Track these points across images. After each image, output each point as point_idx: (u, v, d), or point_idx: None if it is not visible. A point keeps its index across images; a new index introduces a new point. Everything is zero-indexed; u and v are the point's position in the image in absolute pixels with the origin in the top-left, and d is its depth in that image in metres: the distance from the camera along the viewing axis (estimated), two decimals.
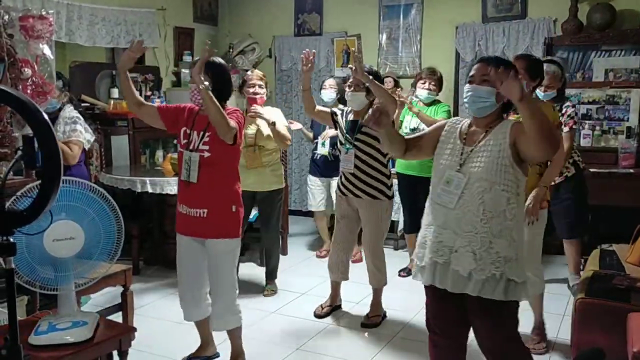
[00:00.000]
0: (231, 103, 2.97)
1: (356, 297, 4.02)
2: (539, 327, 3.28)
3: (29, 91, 3.18)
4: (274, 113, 3.92)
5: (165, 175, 4.39)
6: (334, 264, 3.75)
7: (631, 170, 4.64)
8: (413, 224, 4.24)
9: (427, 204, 2.31)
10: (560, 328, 3.50)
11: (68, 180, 2.29)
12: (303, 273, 4.69)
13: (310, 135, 5.11)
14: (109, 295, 3.47)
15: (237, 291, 2.91)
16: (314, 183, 5.04)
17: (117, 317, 3.06)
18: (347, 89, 3.51)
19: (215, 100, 2.60)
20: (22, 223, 1.61)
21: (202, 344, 3.08)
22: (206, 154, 2.73)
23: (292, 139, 4.10)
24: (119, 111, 4.95)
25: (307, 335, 3.47)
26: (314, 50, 3.45)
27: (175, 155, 3.82)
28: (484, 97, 2.17)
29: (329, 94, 4.74)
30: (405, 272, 4.57)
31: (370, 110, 2.22)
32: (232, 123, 2.67)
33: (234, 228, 2.84)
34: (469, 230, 2.12)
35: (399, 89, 4.85)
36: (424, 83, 4.38)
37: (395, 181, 4.10)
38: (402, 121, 4.38)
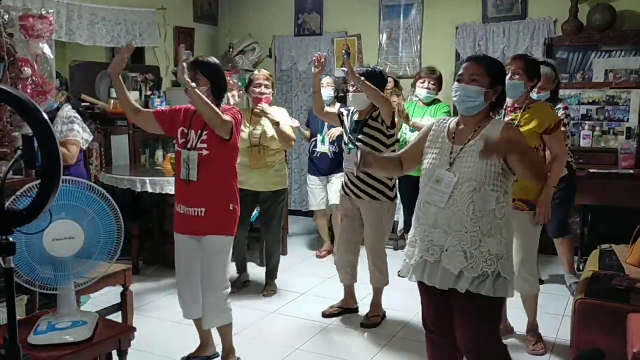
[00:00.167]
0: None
1: (356, 297, 4.00)
2: (534, 328, 3.28)
3: (29, 91, 3.18)
4: (279, 113, 3.94)
5: (165, 175, 4.39)
6: (340, 264, 3.76)
7: (631, 171, 4.64)
8: None
9: (417, 203, 2.32)
10: (560, 328, 3.50)
11: (68, 179, 2.29)
12: (303, 273, 4.69)
13: (307, 133, 5.11)
14: (109, 295, 3.46)
15: (229, 289, 2.91)
16: (314, 183, 5.04)
17: (117, 317, 3.06)
18: (350, 89, 3.54)
19: (204, 96, 2.64)
20: (22, 223, 1.61)
21: (201, 344, 3.08)
22: (205, 152, 2.75)
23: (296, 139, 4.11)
24: (119, 111, 4.90)
25: (307, 336, 3.47)
26: (325, 54, 3.47)
27: None
28: (473, 96, 2.18)
29: (326, 92, 4.74)
30: None
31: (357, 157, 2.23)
32: (227, 117, 2.69)
33: (229, 226, 2.86)
34: (459, 230, 2.13)
35: (400, 97, 4.83)
36: (423, 82, 4.38)
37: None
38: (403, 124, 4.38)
